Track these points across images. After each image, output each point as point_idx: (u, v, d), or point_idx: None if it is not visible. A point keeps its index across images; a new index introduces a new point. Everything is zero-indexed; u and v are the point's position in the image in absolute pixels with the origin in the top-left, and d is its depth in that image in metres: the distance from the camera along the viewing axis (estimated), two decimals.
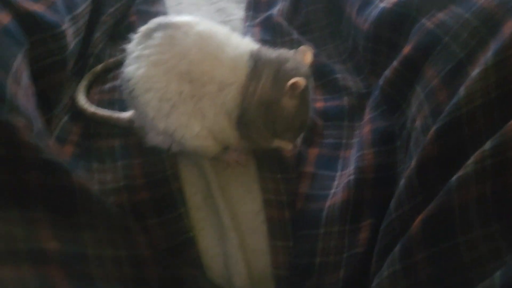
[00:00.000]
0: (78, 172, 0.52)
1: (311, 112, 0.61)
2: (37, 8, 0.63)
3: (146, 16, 0.90)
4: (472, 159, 0.39)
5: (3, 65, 0.52)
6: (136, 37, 0.60)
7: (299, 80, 0.54)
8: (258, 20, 0.90)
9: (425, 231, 0.42)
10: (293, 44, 0.83)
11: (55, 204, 0.49)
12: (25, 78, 0.56)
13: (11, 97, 0.50)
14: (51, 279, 0.44)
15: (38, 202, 0.48)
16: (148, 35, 0.58)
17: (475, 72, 0.45)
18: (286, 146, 0.63)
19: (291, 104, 0.56)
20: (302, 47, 0.61)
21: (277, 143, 0.62)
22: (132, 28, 0.85)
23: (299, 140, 0.67)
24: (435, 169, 0.46)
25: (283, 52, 0.59)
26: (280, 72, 0.56)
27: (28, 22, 0.60)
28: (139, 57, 0.57)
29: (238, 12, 0.98)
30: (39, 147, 0.49)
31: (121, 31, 0.88)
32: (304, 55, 0.61)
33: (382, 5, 0.71)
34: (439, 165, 0.46)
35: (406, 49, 0.62)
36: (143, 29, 0.59)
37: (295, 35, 0.85)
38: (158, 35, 0.57)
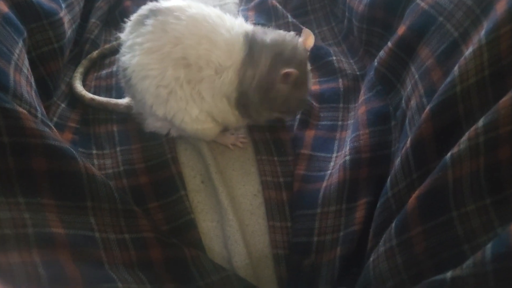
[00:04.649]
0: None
1: (307, 94, 0.61)
2: None
3: (141, 1, 0.89)
4: (466, 136, 0.40)
5: (5, 54, 0.51)
6: (128, 25, 0.59)
7: (292, 71, 0.55)
8: (252, 3, 0.89)
9: (420, 207, 0.42)
10: (288, 27, 0.82)
11: (62, 189, 0.49)
12: (25, 66, 0.56)
13: (14, 85, 0.49)
14: (59, 263, 0.45)
15: (45, 188, 0.48)
16: (140, 22, 0.57)
17: (468, 51, 0.45)
18: (285, 117, 0.65)
19: (285, 89, 0.58)
20: (305, 30, 0.61)
21: (277, 115, 0.64)
22: (127, 13, 0.84)
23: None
24: (431, 147, 0.46)
25: (279, 35, 0.59)
26: (276, 60, 0.57)
27: (26, 10, 0.60)
28: (132, 45, 0.56)
29: None
30: (45, 133, 0.49)
31: (115, 17, 0.88)
32: (307, 39, 0.61)
33: None
34: (435, 143, 0.46)
35: (401, 30, 0.62)
36: (134, 16, 0.59)
37: (290, 18, 0.84)
38: (149, 22, 0.56)
